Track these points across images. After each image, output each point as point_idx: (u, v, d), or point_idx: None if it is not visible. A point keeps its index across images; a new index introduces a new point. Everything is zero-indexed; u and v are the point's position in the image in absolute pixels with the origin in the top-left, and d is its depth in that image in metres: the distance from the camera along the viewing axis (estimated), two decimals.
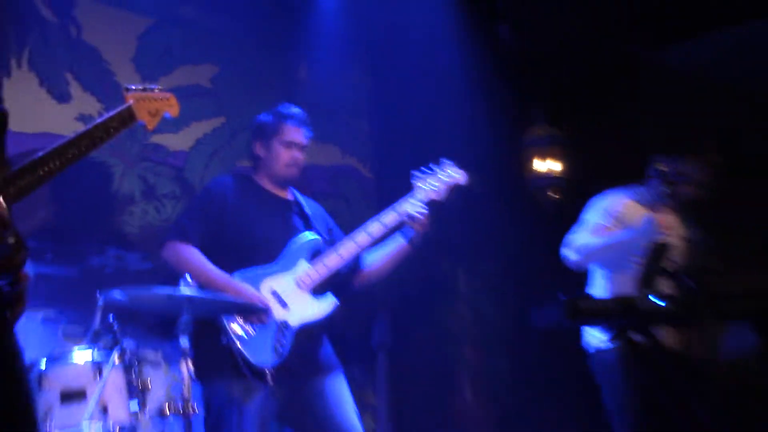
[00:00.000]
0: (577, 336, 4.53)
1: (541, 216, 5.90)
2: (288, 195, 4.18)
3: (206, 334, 3.68)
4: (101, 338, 3.46)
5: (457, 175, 4.18)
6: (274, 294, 3.85)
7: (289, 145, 4.08)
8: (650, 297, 3.62)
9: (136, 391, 3.40)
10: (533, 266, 5.67)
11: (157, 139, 4.85)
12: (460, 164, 4.22)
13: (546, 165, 5.92)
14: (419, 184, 4.12)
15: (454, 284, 6.13)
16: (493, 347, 6.13)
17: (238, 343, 3.73)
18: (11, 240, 1.79)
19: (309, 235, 4.04)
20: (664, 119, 5.58)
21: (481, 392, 6.01)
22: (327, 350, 4.03)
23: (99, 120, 2.57)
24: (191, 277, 3.54)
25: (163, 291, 3.43)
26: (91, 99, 4.72)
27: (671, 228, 4.14)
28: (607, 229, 4.40)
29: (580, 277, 4.53)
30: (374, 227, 4.01)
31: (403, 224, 4.04)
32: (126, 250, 4.68)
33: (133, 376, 3.40)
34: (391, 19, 5.40)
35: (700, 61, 6.03)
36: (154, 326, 4.26)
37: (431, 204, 4.10)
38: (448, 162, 4.21)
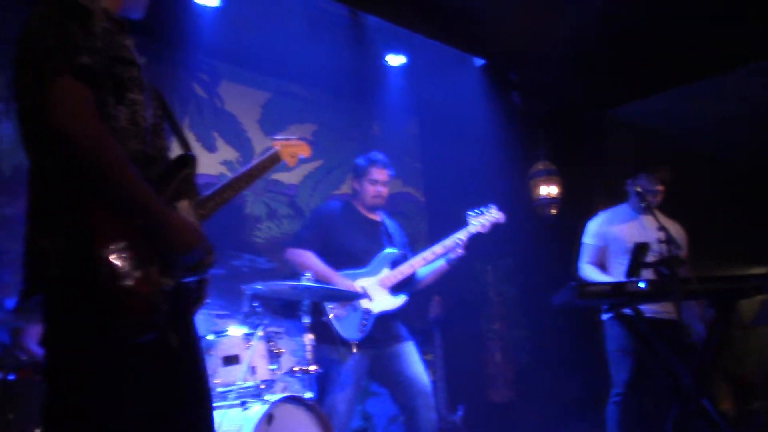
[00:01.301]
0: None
1: (544, 225, 5.82)
2: (377, 217, 4.10)
3: (316, 314, 3.63)
4: (249, 318, 3.41)
5: (498, 216, 4.07)
6: (363, 290, 3.79)
7: (375, 182, 4.01)
8: (636, 282, 3.53)
9: (273, 355, 3.35)
10: (539, 262, 5.58)
11: (276, 176, 4.85)
12: (489, 195, 4.13)
13: (546, 190, 5.83)
14: (472, 221, 4.02)
15: (485, 277, 6.06)
16: (513, 321, 6.06)
17: (334, 321, 3.67)
18: (205, 247, 1.74)
19: (391, 250, 3.96)
20: (628, 154, 5.54)
21: (506, 354, 5.94)
22: (401, 327, 3.96)
23: (255, 162, 2.49)
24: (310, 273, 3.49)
25: (290, 283, 3.38)
26: (230, 149, 4.73)
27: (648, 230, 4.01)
28: (600, 249, 4.33)
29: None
30: (437, 248, 3.93)
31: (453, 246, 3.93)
32: (257, 255, 4.67)
33: (271, 345, 3.34)
34: (437, 88, 5.36)
35: (644, 116, 6.04)
36: (279, 308, 4.21)
37: (478, 235, 4.00)
38: (493, 206, 4.10)
